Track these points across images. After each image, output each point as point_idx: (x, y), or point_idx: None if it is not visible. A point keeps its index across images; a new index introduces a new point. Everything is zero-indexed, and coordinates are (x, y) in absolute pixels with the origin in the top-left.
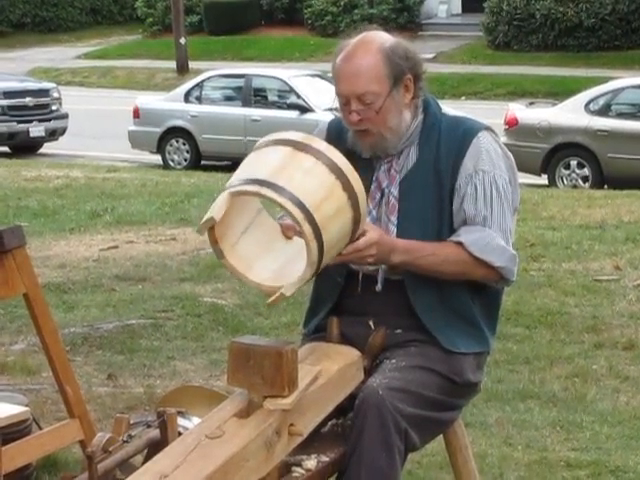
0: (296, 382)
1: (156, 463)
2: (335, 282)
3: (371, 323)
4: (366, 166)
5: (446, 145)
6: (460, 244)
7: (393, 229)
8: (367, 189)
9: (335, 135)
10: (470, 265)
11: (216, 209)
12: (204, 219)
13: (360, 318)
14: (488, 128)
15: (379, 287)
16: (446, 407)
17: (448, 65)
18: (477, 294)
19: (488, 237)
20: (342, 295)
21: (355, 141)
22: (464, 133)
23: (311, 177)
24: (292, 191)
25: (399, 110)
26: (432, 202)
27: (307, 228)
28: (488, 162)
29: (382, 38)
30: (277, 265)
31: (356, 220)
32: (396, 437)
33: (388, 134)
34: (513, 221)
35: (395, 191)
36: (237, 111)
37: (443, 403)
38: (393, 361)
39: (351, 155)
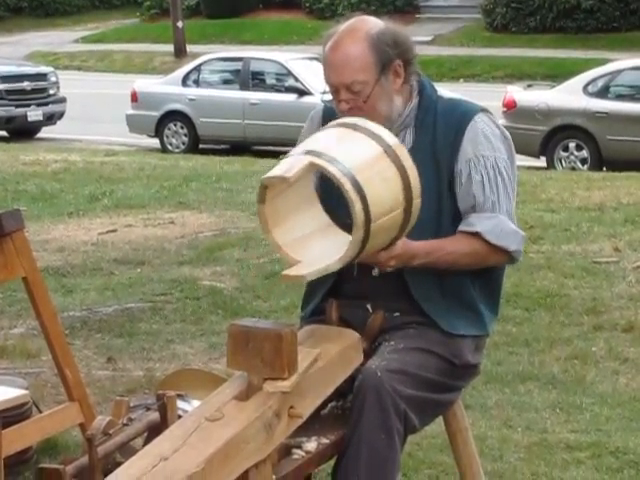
0: (296, 364)
1: (156, 446)
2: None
3: (369, 306)
4: None
5: (443, 128)
6: (477, 234)
7: None
8: None
9: (330, 117)
10: (486, 253)
11: (294, 171)
12: (277, 174)
13: (358, 301)
14: (484, 110)
15: (376, 271)
16: (445, 389)
17: (446, 48)
18: (477, 277)
19: (501, 223)
20: (339, 279)
21: None
22: (461, 116)
23: (386, 188)
24: (366, 194)
25: (389, 97)
26: (430, 185)
27: (360, 234)
28: (487, 146)
29: (369, 24)
30: (302, 233)
31: (396, 240)
32: (395, 419)
33: (379, 120)
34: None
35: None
36: (235, 94)
37: (442, 385)
38: (392, 343)
39: None
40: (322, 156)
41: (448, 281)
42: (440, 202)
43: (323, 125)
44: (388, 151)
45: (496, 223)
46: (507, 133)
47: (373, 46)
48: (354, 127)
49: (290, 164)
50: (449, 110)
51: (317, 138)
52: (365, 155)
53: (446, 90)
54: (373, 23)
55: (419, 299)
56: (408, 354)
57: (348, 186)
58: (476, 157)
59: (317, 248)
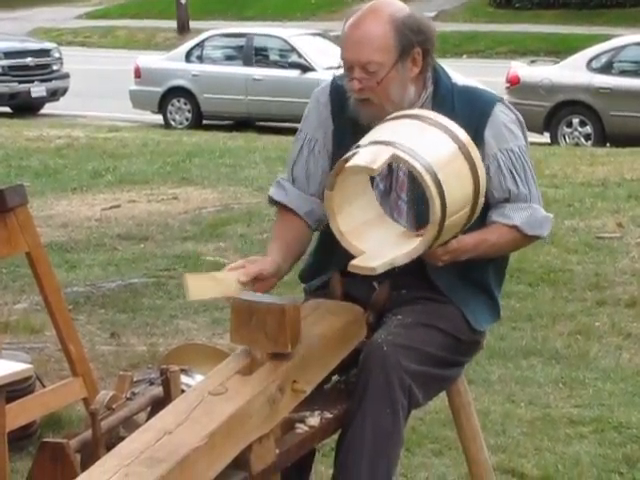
0: (299, 338)
1: (159, 420)
2: (345, 250)
3: (375, 284)
4: None
5: (462, 119)
6: (515, 227)
7: (403, 206)
8: None
9: (338, 98)
10: (521, 240)
11: (379, 163)
12: (362, 164)
13: (364, 279)
14: (501, 100)
15: None
16: (449, 364)
17: (449, 23)
18: (492, 260)
19: (535, 212)
20: (349, 259)
21: (355, 109)
22: (481, 109)
23: (460, 187)
24: (445, 191)
25: (403, 84)
26: None
27: (434, 231)
28: (510, 137)
29: (395, 7)
30: (361, 221)
31: (456, 237)
32: (400, 393)
33: (389, 106)
34: None
35: (404, 166)
36: (238, 70)
37: (446, 360)
38: (399, 317)
39: (357, 124)
40: (405, 149)
41: (468, 267)
42: None
43: (331, 106)
44: (462, 149)
45: (531, 213)
46: (520, 115)
47: (396, 29)
48: (428, 121)
49: (374, 154)
50: (467, 100)
51: (394, 128)
52: (443, 152)
53: (458, 75)
54: (399, 6)
55: (446, 291)
56: (414, 329)
57: (430, 182)
58: (501, 152)
59: (376, 237)
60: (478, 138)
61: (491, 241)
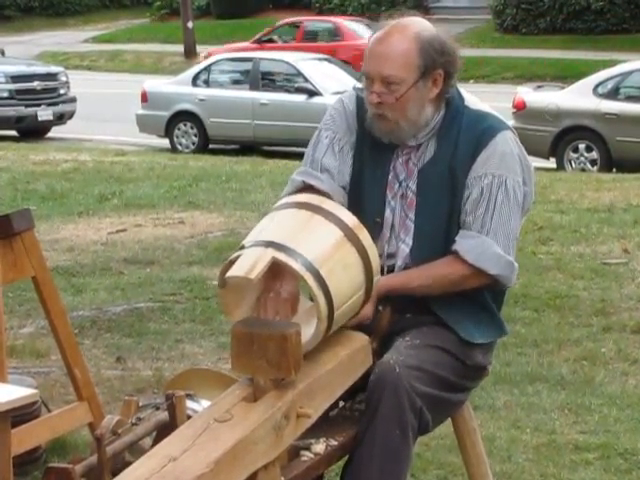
0: (301, 363)
1: (165, 446)
2: None
3: (380, 308)
4: (385, 152)
5: (464, 142)
6: (455, 252)
7: (411, 225)
8: (385, 177)
9: (363, 109)
10: (461, 275)
11: (257, 271)
12: (240, 274)
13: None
14: (509, 129)
15: None
16: (457, 388)
17: None
18: None
19: (483, 245)
20: None
21: (371, 123)
22: (482, 133)
23: (348, 274)
24: (329, 285)
25: (421, 103)
26: (445, 198)
27: (324, 325)
28: (500, 165)
29: (422, 26)
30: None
31: (356, 314)
32: (411, 415)
33: (404, 124)
34: (520, 224)
35: (413, 186)
36: (245, 95)
37: (454, 384)
38: (407, 339)
39: (376, 140)
40: (284, 249)
41: None
42: (451, 216)
43: (357, 116)
44: (348, 234)
45: (477, 244)
46: (528, 158)
47: (421, 48)
48: (314, 209)
49: (253, 261)
50: (473, 124)
51: (280, 222)
52: (326, 243)
53: (475, 98)
54: (426, 26)
55: (437, 310)
56: (424, 350)
57: (311, 282)
58: (485, 174)
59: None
60: (472, 159)
61: (411, 285)
